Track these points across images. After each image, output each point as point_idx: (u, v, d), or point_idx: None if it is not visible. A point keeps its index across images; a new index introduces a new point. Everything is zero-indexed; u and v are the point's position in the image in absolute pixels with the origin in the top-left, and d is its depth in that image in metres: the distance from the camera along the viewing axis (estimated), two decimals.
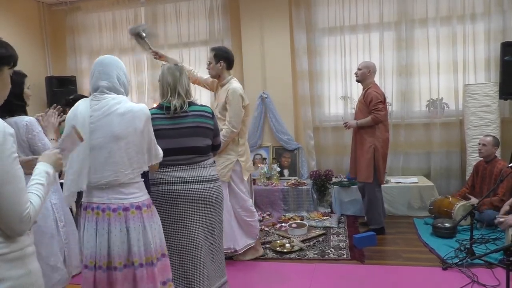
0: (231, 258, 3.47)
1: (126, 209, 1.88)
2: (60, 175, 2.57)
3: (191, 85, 2.84)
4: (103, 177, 1.86)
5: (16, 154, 1.23)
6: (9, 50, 1.36)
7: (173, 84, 2.36)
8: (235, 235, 3.42)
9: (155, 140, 2.01)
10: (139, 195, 1.94)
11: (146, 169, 1.97)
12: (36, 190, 1.30)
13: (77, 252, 2.35)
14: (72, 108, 1.97)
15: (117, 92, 1.95)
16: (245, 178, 3.47)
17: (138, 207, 1.91)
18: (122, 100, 1.91)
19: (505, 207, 3.38)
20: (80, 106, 1.93)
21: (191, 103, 2.41)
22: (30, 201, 1.25)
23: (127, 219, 1.87)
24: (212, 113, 2.49)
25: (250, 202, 3.49)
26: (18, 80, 2.12)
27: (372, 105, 3.89)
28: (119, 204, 1.88)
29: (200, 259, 2.36)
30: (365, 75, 4.05)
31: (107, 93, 1.92)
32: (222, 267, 2.57)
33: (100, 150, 1.86)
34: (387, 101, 5.11)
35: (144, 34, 3.42)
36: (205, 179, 2.40)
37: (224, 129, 3.25)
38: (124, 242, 1.87)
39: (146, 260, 1.90)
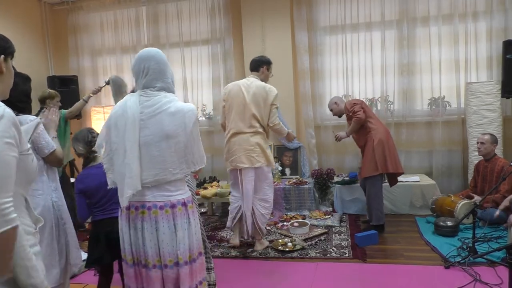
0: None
1: (173, 206, 1.85)
2: (65, 168, 2.57)
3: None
4: (150, 175, 1.83)
5: (10, 140, 1.14)
6: (8, 41, 1.37)
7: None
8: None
9: (201, 143, 1.97)
10: (184, 191, 1.92)
11: (194, 169, 1.93)
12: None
13: (76, 250, 2.36)
14: (118, 103, 1.93)
15: (170, 91, 1.92)
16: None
17: (184, 204, 1.89)
18: (173, 99, 1.88)
19: (505, 202, 3.38)
20: (129, 101, 1.88)
21: None
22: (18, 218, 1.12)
23: (175, 216, 1.85)
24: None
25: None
26: (25, 80, 2.19)
27: (349, 111, 4.07)
28: (165, 202, 1.85)
29: None
30: (336, 110, 4.31)
31: (159, 91, 1.89)
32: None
33: (149, 148, 1.82)
34: (388, 99, 5.18)
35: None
36: None
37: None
38: (174, 239, 1.85)
39: (189, 257, 1.89)
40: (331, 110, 4.38)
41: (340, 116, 4.37)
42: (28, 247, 1.20)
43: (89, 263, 2.44)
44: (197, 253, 1.95)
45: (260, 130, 3.59)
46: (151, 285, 1.87)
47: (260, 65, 3.73)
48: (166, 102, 1.85)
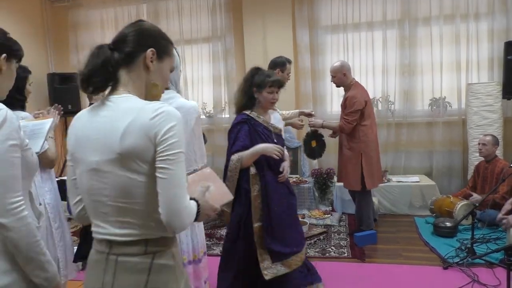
0: None
1: None
2: (62, 172, 2.55)
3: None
4: None
5: (15, 142, 1.18)
6: (17, 45, 1.42)
7: None
8: None
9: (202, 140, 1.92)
10: None
11: (196, 167, 1.86)
12: None
13: (71, 255, 2.31)
14: None
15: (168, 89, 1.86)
16: None
17: None
18: (174, 96, 1.83)
19: (507, 205, 3.37)
20: None
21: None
22: None
23: None
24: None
25: None
26: (22, 74, 2.11)
27: (345, 112, 3.75)
28: None
29: None
30: (341, 79, 3.84)
31: None
32: None
33: None
34: (389, 99, 5.17)
35: None
36: None
37: None
38: None
39: (193, 257, 1.86)
40: (333, 76, 3.87)
41: (338, 86, 3.96)
42: (42, 242, 1.22)
43: (78, 258, 2.43)
44: (202, 253, 1.93)
45: None
46: None
47: (273, 68, 3.61)
48: (166, 99, 1.78)
